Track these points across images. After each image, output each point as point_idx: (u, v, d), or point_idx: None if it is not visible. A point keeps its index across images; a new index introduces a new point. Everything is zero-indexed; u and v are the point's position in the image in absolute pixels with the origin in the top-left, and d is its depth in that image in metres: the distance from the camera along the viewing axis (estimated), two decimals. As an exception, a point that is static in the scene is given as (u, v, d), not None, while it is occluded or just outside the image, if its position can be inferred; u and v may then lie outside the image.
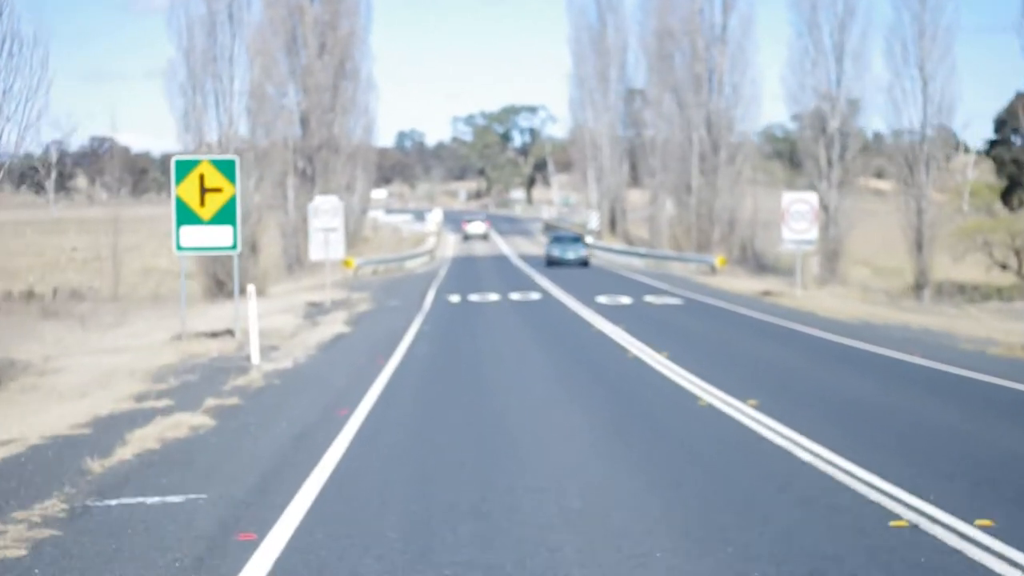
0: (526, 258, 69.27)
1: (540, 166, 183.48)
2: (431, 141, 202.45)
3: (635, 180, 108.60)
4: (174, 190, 25.37)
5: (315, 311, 34.56)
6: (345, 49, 72.97)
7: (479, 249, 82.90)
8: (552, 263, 56.26)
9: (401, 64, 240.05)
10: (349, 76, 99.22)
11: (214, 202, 25.25)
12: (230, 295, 49.95)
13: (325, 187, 72.40)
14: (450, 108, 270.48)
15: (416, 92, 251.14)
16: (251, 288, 21.33)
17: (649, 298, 37.10)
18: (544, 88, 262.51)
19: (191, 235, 25.35)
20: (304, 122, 69.80)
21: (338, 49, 71.86)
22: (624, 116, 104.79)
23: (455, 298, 38.32)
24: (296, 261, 69.31)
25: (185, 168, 25.33)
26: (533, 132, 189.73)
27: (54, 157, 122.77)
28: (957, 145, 72.40)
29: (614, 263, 64.25)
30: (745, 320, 30.42)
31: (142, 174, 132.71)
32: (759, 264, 64.77)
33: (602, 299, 36.40)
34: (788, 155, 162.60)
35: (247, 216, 48.12)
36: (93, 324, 36.22)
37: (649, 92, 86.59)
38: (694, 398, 15.94)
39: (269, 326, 28.75)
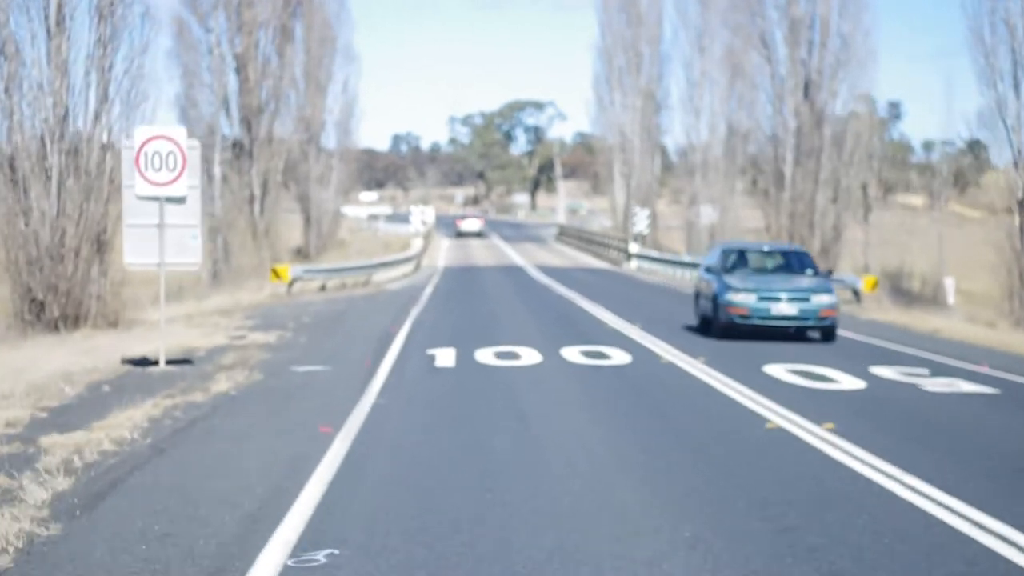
0: (550, 272, 48.67)
1: (546, 168, 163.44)
2: (429, 145, 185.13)
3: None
4: None
5: (87, 397, 14.09)
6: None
7: (481, 256, 62.42)
8: (728, 326, 21.08)
9: (397, 66, 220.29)
10: (319, 43, 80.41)
11: None
12: (53, 327, 29.55)
13: (269, 164, 52.03)
14: (448, 111, 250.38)
15: (413, 95, 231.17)
16: None
17: (885, 372, 16.50)
18: (550, 89, 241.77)
19: None
20: (240, 70, 49.30)
21: (290, -29, 51.23)
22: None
23: (445, 356, 17.94)
24: (225, 267, 48.84)
25: None
26: (539, 131, 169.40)
27: None
28: None
29: (686, 281, 43.93)
30: None
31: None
32: (896, 289, 44.23)
33: (779, 371, 16.01)
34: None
35: (87, 193, 27.54)
36: None
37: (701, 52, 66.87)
38: None
39: None
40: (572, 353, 18.28)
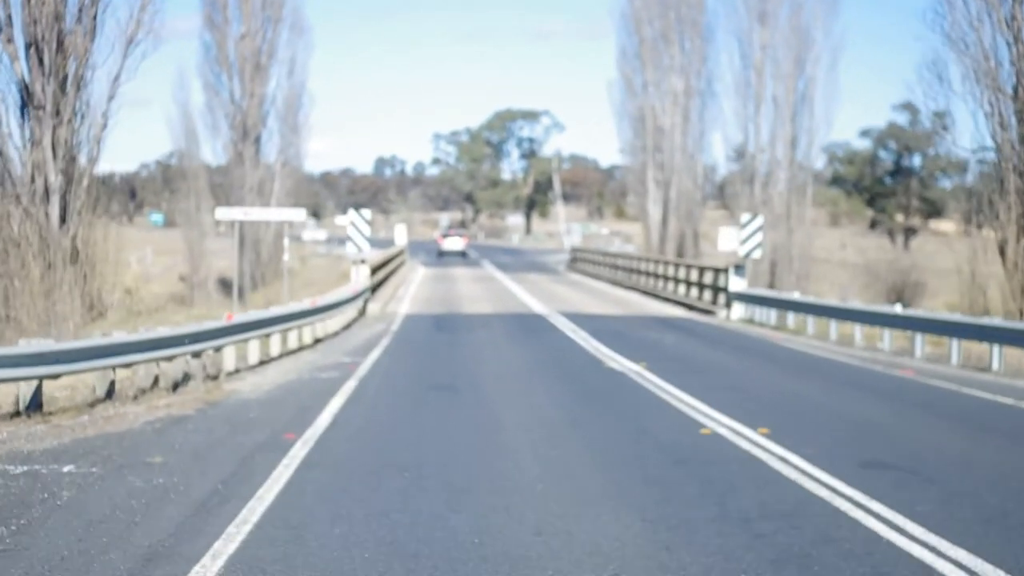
0: (603, 330, 25.51)
1: (543, 186, 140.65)
2: (413, 166, 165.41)
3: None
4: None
5: None
6: None
7: (470, 294, 39.33)
8: None
9: (379, 88, 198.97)
10: (260, 8, 59.53)
11: None
12: None
13: (86, 130, 29.17)
14: (433, 129, 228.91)
15: (396, 116, 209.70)
16: None
17: None
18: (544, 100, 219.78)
19: None
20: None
21: None
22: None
23: None
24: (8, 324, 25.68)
25: None
26: (533, 144, 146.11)
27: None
28: None
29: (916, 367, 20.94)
30: None
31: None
32: None
33: None
34: (857, 182, 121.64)
35: None
36: None
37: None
38: None
39: None
40: None
